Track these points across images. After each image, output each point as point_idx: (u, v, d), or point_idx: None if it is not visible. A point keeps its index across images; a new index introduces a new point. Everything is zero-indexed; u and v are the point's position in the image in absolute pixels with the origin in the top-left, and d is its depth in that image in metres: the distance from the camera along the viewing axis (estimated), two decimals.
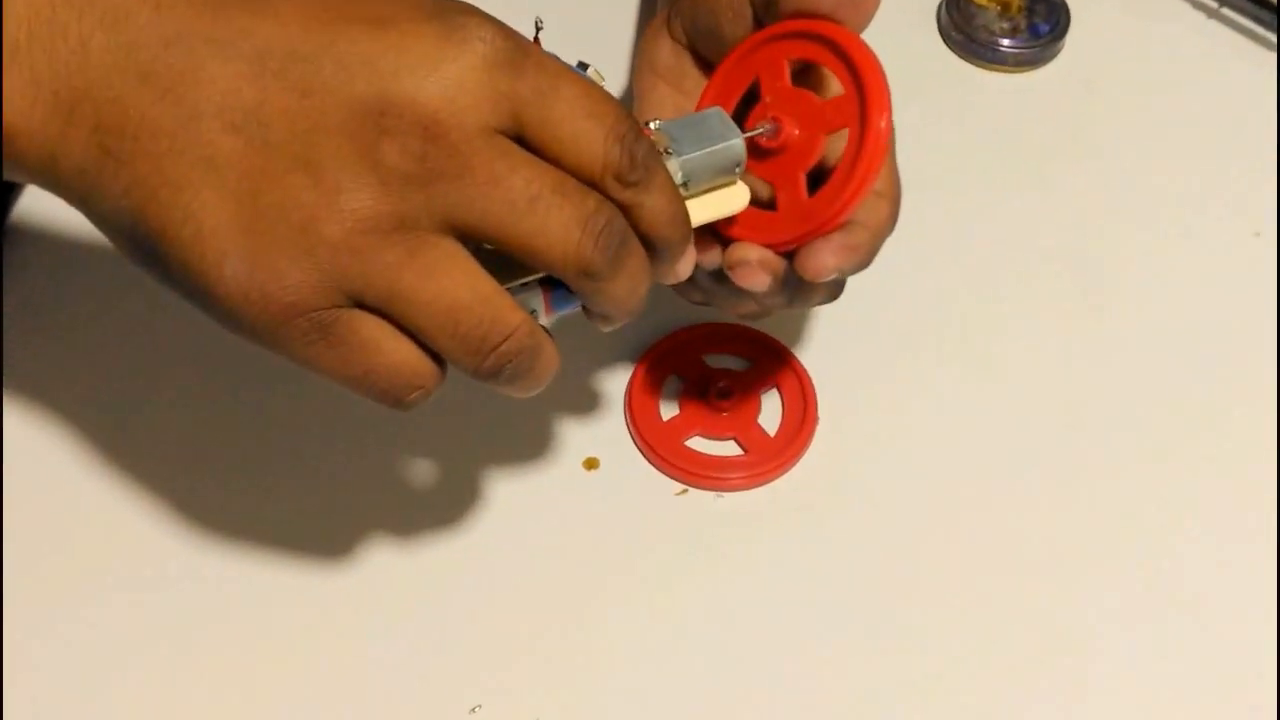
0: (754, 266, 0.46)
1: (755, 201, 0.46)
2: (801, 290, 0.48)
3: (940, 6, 0.70)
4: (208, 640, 0.50)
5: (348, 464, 0.54)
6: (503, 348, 0.38)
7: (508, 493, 0.53)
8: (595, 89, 0.38)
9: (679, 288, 0.51)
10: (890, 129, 0.44)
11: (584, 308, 0.42)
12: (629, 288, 0.40)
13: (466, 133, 0.36)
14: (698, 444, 0.55)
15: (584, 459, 0.55)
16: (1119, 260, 0.62)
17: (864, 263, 0.47)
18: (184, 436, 0.54)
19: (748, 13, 0.47)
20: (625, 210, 0.39)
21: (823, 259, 0.45)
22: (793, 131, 0.46)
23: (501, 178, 0.36)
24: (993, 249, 0.62)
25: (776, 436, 0.55)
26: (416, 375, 0.38)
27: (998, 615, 0.51)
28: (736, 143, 0.44)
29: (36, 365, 0.56)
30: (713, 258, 0.47)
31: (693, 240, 0.43)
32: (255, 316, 0.36)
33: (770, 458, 0.54)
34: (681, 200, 0.41)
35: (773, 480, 0.54)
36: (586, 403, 0.56)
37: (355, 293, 0.36)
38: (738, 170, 0.44)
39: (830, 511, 0.54)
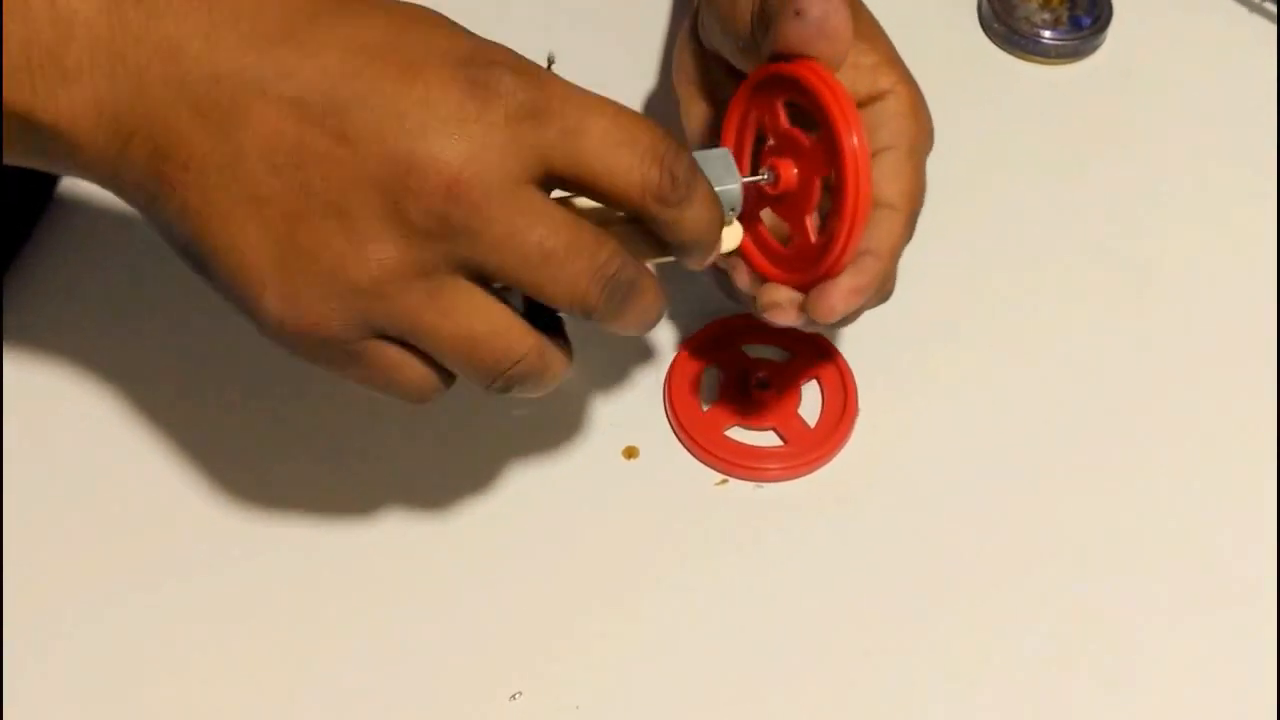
0: (784, 307, 0.47)
1: (783, 239, 0.48)
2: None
3: None
4: (245, 624, 0.50)
5: (386, 451, 0.54)
6: (511, 371, 0.41)
7: (547, 481, 0.54)
8: (625, 114, 0.40)
9: (737, 296, 0.51)
10: (865, 152, 0.43)
11: None
12: (636, 321, 0.43)
13: (488, 190, 0.38)
14: (737, 434, 0.55)
15: (624, 448, 0.55)
16: (1160, 254, 0.62)
17: (875, 293, 0.47)
18: (231, 423, 0.55)
19: (744, 37, 0.48)
20: (665, 225, 0.41)
21: (830, 304, 0.45)
22: (791, 175, 0.46)
23: (518, 233, 0.38)
24: (1033, 242, 0.62)
25: (817, 427, 0.55)
26: (433, 388, 0.42)
27: (1039, 607, 0.51)
28: (734, 188, 0.45)
29: (82, 335, 0.56)
30: (744, 283, 0.49)
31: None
32: (290, 341, 0.40)
33: (810, 449, 0.54)
34: (719, 204, 0.43)
35: (813, 471, 0.54)
36: (626, 392, 0.56)
37: (379, 329, 0.40)
38: (733, 212, 0.45)
39: (870, 503, 0.53)
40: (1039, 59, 0.69)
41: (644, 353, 0.57)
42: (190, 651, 0.49)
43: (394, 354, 0.40)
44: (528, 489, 0.53)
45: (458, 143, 0.37)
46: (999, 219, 0.63)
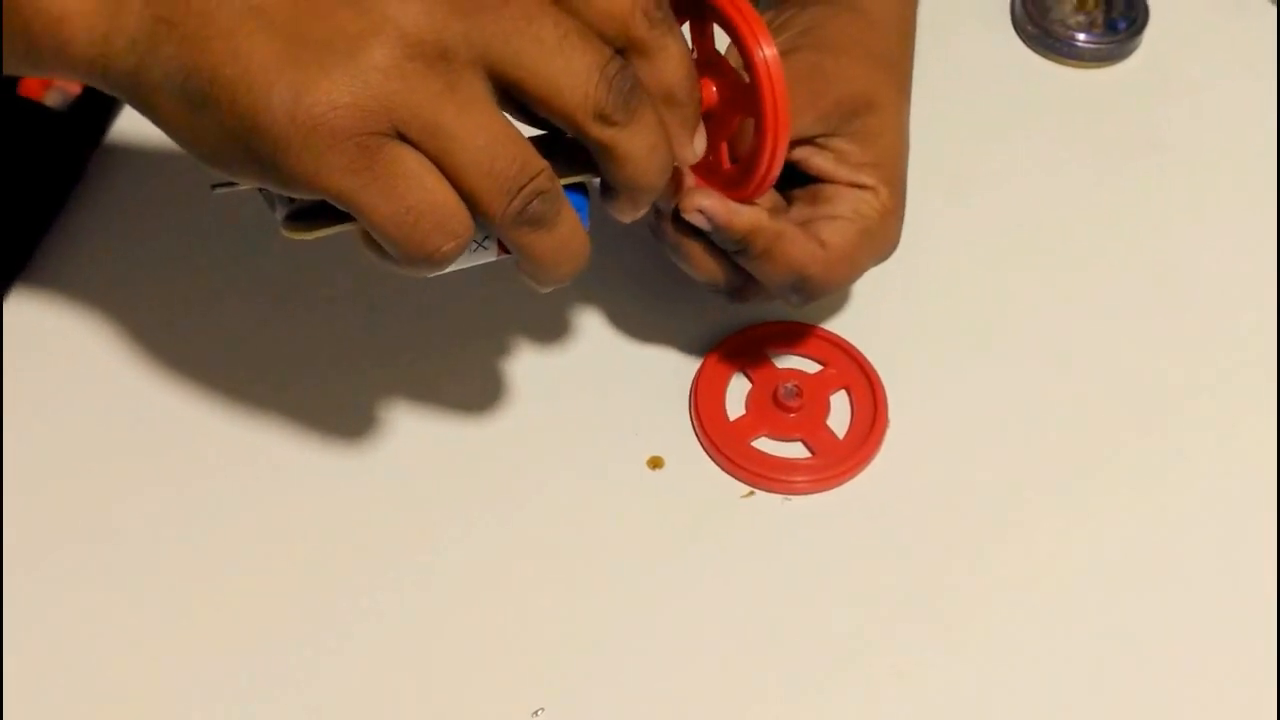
0: (697, 215, 0.49)
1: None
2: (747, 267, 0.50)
3: None
4: (272, 631, 0.49)
5: (408, 458, 0.53)
6: (529, 186, 0.39)
7: (570, 492, 0.53)
8: None
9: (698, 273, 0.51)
10: (777, 62, 0.44)
11: (604, 190, 0.43)
12: (645, 143, 0.41)
13: None
14: (765, 445, 0.54)
15: (649, 458, 0.54)
16: (1195, 261, 0.61)
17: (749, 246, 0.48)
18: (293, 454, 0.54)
19: None
20: (649, 53, 0.41)
21: (694, 203, 0.48)
22: (711, 93, 0.46)
23: (534, 16, 0.39)
24: (1067, 249, 0.61)
25: (845, 439, 0.54)
26: (454, 219, 0.39)
27: (1072, 623, 0.50)
28: None
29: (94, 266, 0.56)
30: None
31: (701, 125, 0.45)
32: (301, 143, 0.37)
33: (839, 461, 0.53)
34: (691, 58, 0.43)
35: (842, 484, 0.53)
36: (651, 401, 0.55)
37: (400, 122, 0.38)
38: None
39: (900, 517, 0.52)
40: (1073, 62, 0.67)
41: (670, 361, 0.56)
42: (208, 648, 0.48)
43: (414, 161, 0.38)
44: (550, 499, 0.52)
45: None
46: (1032, 225, 0.62)
